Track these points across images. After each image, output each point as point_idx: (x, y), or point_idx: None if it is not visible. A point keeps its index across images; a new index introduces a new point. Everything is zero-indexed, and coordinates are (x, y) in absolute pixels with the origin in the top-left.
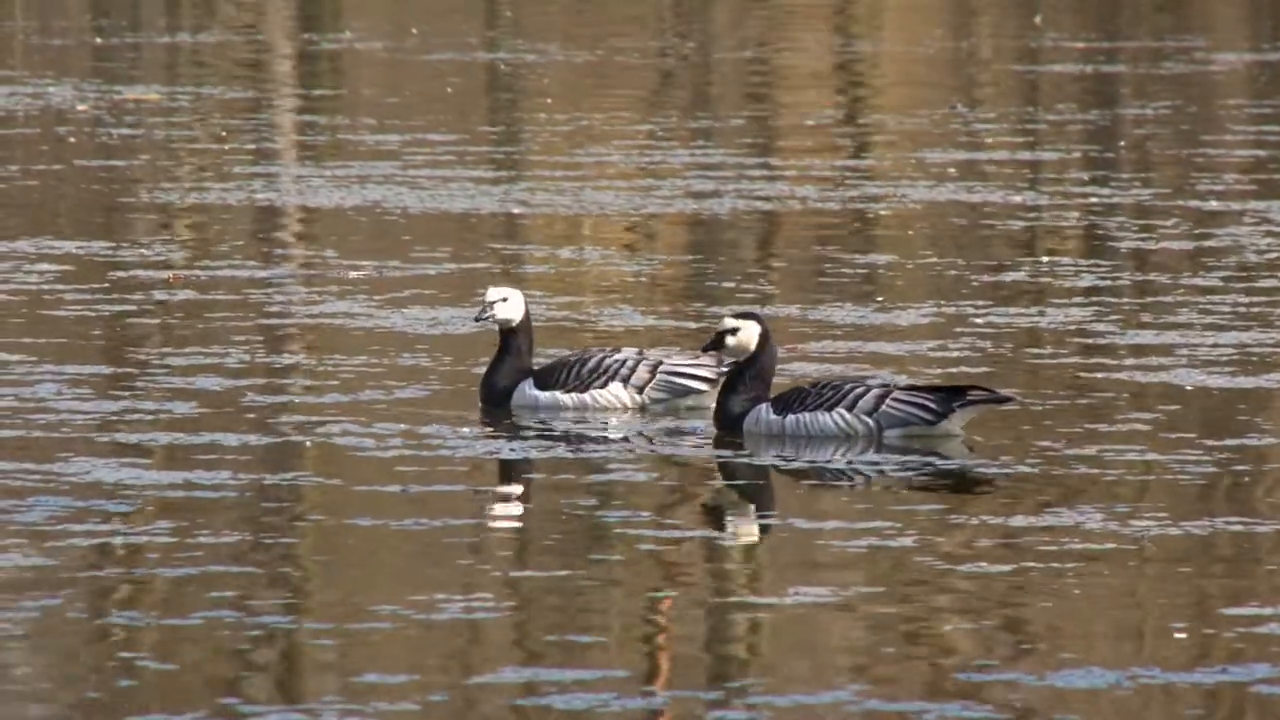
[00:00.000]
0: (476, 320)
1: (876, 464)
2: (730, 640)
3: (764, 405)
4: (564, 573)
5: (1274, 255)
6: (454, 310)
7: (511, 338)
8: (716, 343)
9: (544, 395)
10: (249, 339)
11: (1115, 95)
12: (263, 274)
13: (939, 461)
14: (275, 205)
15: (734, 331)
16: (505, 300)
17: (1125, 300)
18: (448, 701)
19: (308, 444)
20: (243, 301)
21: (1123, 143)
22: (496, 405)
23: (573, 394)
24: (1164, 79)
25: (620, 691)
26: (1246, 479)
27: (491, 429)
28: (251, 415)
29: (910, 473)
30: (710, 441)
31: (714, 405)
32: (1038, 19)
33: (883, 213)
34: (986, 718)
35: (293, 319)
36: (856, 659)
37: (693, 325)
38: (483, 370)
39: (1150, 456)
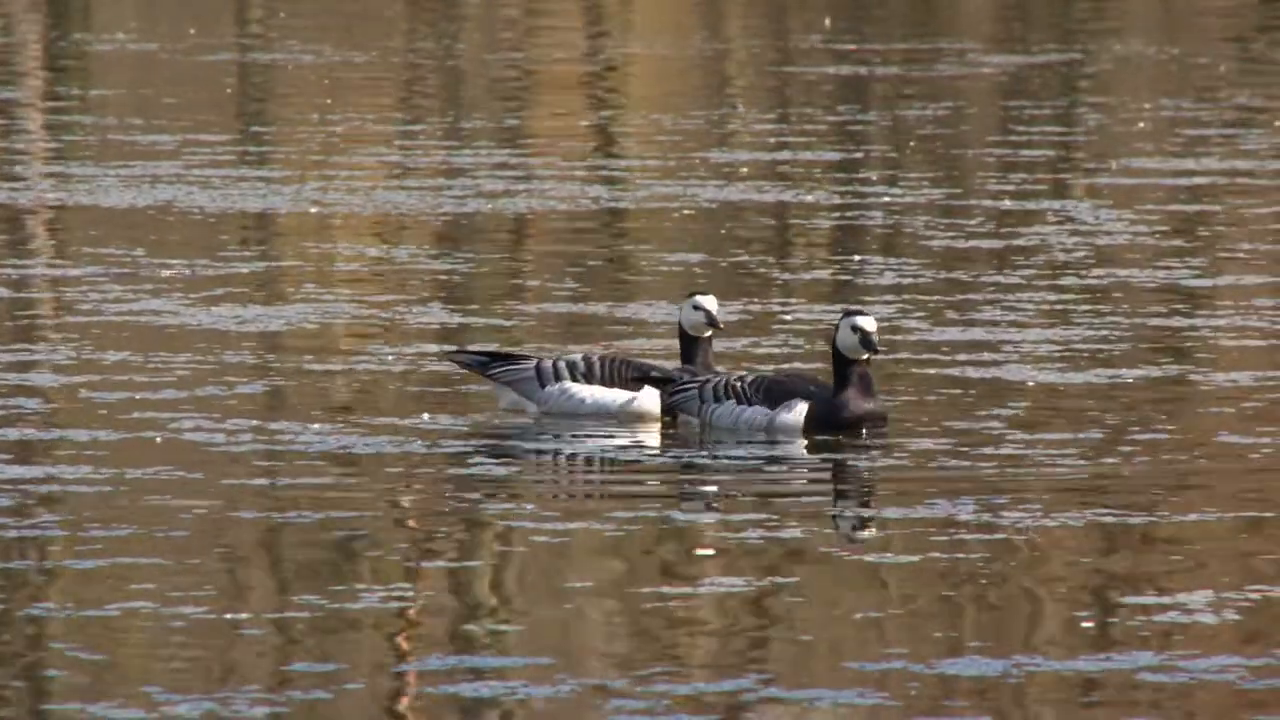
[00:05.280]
0: (721, 328)
1: (757, 461)
2: (635, 629)
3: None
4: (459, 565)
5: (1081, 253)
6: (262, 309)
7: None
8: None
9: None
10: (71, 336)
11: (893, 97)
12: (75, 273)
13: (810, 459)
14: (69, 205)
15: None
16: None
17: (933, 298)
18: (364, 690)
19: (158, 439)
20: (58, 300)
21: (910, 143)
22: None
23: None
24: (939, 81)
25: (531, 680)
26: (1116, 471)
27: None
28: (101, 411)
29: (788, 470)
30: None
31: (833, 408)
32: (827, 22)
33: (685, 211)
34: (879, 704)
35: (111, 317)
36: (734, 644)
37: (505, 323)
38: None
39: (1014, 451)
